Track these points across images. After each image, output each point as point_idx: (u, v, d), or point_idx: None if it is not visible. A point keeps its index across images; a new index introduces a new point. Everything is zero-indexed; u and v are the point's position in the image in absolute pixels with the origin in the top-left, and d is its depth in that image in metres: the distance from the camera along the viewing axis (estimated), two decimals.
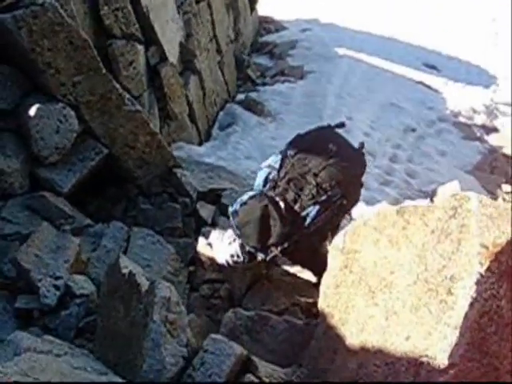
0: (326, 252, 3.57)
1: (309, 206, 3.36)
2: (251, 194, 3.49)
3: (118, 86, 4.25)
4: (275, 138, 8.03)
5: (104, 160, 4.23)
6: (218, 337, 2.32)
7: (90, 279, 3.46)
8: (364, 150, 3.81)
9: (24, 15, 3.66)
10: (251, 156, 7.42)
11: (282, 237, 3.32)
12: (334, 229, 3.74)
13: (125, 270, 2.65)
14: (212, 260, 3.91)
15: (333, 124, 3.88)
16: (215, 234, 3.92)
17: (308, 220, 3.35)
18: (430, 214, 2.29)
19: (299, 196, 3.38)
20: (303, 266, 3.72)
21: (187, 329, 2.34)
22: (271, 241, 3.32)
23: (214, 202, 4.81)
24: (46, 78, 3.88)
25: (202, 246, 4.06)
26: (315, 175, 3.38)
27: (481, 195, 2.18)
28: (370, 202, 6.88)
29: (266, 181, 3.57)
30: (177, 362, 2.15)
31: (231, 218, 3.47)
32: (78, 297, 3.14)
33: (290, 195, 3.38)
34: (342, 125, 3.90)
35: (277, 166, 3.54)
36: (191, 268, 4.04)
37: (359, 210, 6.52)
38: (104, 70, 4.13)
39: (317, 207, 3.37)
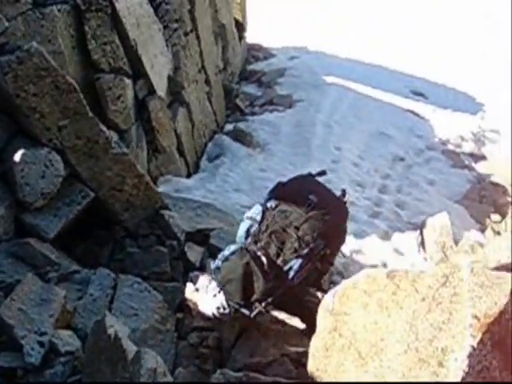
0: (313, 298, 3.57)
1: (291, 259, 3.37)
2: (233, 248, 3.51)
3: (104, 128, 4.21)
4: (264, 169, 8.03)
5: (91, 203, 4.18)
6: None
7: (76, 331, 3.40)
8: (347, 197, 3.86)
9: (9, 61, 3.63)
10: (240, 188, 7.41)
11: (265, 293, 3.32)
12: (320, 276, 3.74)
13: (111, 331, 2.60)
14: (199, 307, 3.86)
15: (314, 172, 3.91)
16: (201, 282, 3.87)
17: (291, 273, 3.35)
18: (421, 281, 2.26)
19: (281, 250, 3.40)
20: (290, 314, 3.69)
21: None
22: (255, 297, 3.32)
23: (202, 242, 4.76)
24: (30, 123, 3.85)
25: (189, 291, 3.99)
26: (296, 228, 3.42)
27: (470, 263, 2.15)
28: (359, 235, 6.89)
29: (247, 233, 3.58)
30: None
31: (213, 275, 3.50)
32: (62, 355, 3.06)
33: (272, 249, 3.39)
34: (323, 173, 3.95)
35: (258, 218, 3.57)
36: (179, 315, 3.97)
37: (349, 245, 6.55)
38: (90, 114, 4.09)
39: (299, 261, 3.38)
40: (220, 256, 3.50)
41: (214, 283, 3.52)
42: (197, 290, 3.95)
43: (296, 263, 3.36)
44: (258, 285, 3.30)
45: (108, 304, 3.68)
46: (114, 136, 5.72)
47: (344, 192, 3.81)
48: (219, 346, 3.69)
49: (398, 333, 2.24)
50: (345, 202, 3.78)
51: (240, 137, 8.70)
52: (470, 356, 1.97)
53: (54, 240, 3.97)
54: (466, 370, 1.96)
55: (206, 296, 3.53)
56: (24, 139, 3.91)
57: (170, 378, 2.31)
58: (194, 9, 8.11)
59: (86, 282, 3.83)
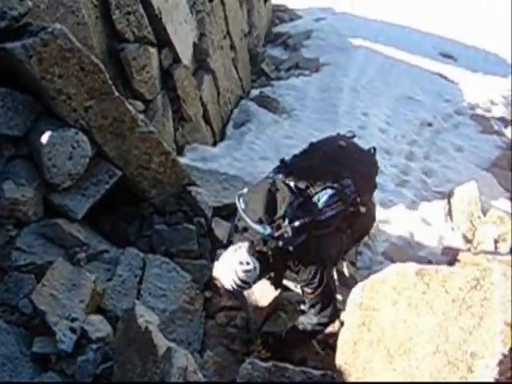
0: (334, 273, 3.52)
1: (321, 190, 3.34)
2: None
3: (131, 107, 4.18)
4: (290, 136, 7.95)
5: (118, 182, 4.19)
6: None
7: (106, 312, 3.45)
8: (376, 155, 3.87)
9: (34, 44, 3.59)
10: (266, 157, 7.35)
11: (292, 212, 3.25)
12: (347, 243, 3.69)
13: (141, 321, 2.63)
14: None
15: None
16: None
17: (320, 204, 3.31)
18: (451, 282, 2.24)
19: (311, 185, 3.36)
20: (306, 265, 3.42)
21: None
22: (279, 213, 3.24)
23: (229, 217, 4.77)
24: (57, 105, 3.83)
25: (217, 270, 4.03)
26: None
27: (504, 268, 2.12)
28: (386, 205, 6.84)
29: (277, 171, 3.59)
30: None
31: (237, 200, 3.42)
32: (94, 341, 3.11)
33: (302, 184, 3.36)
34: (352, 135, 3.88)
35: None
36: (207, 294, 4.02)
37: (377, 215, 6.51)
38: (116, 93, 4.06)
39: (329, 191, 3.34)
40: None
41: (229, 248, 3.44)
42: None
43: (325, 194, 3.33)
44: (284, 201, 3.25)
45: (137, 285, 3.73)
46: (140, 106, 5.73)
47: (374, 149, 3.84)
48: (247, 326, 3.73)
49: (428, 333, 2.24)
50: (374, 155, 3.81)
51: (266, 103, 8.62)
52: (501, 363, 1.96)
53: (83, 218, 4.00)
54: (496, 377, 1.95)
55: (225, 262, 3.38)
56: (50, 120, 3.89)
57: (200, 377, 2.34)
58: None
59: (115, 262, 3.87)
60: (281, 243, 3.22)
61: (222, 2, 8.17)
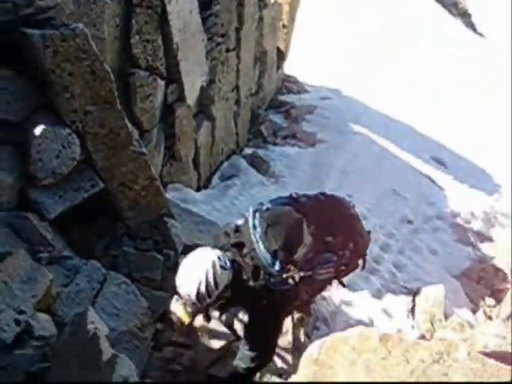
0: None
1: (327, 252, 3.32)
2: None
3: (129, 124, 4.18)
4: None
5: (98, 194, 4.14)
6: None
7: (55, 317, 3.33)
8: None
9: (53, 36, 3.60)
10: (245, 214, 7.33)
11: (305, 260, 3.21)
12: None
13: (90, 326, 2.53)
14: (181, 323, 3.78)
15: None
16: None
17: (323, 266, 3.30)
18: (414, 352, 2.19)
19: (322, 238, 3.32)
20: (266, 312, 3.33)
21: None
22: (295, 256, 3.19)
23: None
24: (59, 101, 3.81)
25: (174, 304, 3.93)
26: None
27: (470, 347, 2.08)
28: (351, 287, 6.79)
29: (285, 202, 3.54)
30: None
31: (253, 214, 3.33)
32: (36, 338, 2.99)
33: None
34: None
35: None
36: (159, 326, 3.91)
37: (340, 295, 6.47)
38: (119, 106, 4.07)
39: (334, 257, 3.35)
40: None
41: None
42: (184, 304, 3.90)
43: (331, 257, 3.32)
44: (304, 244, 3.20)
45: (92, 298, 3.62)
46: (135, 133, 5.72)
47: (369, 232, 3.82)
48: (192, 367, 3.62)
49: None
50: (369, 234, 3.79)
51: (257, 163, 8.68)
52: None
53: (54, 220, 3.91)
54: None
55: (192, 262, 3.27)
56: (48, 115, 3.86)
57: None
58: (241, 28, 8.15)
59: (76, 271, 3.77)
60: (275, 281, 3.17)
61: (238, 55, 8.32)
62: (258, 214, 3.32)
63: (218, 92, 7.66)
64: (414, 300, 6.68)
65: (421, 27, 19.28)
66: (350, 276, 6.88)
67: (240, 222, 3.46)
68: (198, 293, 3.13)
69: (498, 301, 7.67)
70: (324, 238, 3.30)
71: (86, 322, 2.55)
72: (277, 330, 3.40)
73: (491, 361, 2.06)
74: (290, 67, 12.57)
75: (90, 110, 3.93)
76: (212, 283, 3.10)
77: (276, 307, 3.23)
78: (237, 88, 8.65)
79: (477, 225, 9.91)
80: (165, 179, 6.63)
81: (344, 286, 3.73)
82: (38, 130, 3.71)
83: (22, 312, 3.03)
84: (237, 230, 3.40)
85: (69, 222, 4.19)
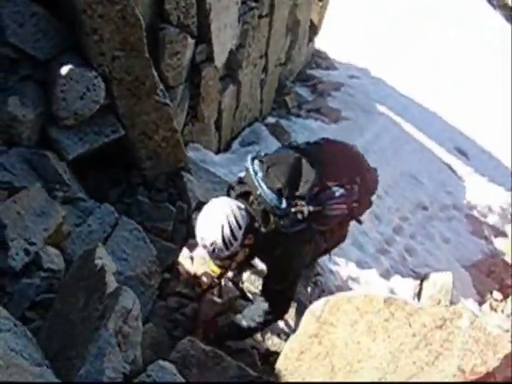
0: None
1: (334, 186, 3.32)
2: None
3: (155, 73, 4.16)
4: None
5: (118, 140, 4.14)
6: (166, 365, 2.21)
7: (64, 254, 3.35)
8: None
9: None
10: None
11: (311, 196, 3.21)
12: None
13: (98, 261, 2.55)
14: (188, 274, 3.81)
15: None
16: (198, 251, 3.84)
17: (330, 200, 3.29)
18: (417, 316, 2.19)
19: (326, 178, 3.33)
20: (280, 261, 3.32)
21: (138, 346, 2.23)
22: (299, 191, 3.20)
23: None
24: (87, 43, 3.80)
25: (183, 257, 3.96)
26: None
27: (474, 315, 2.07)
28: (361, 265, 6.81)
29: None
30: (116, 378, 2.04)
31: (250, 163, 3.34)
32: (44, 270, 3.02)
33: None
34: None
35: None
36: (166, 275, 3.93)
37: (348, 271, 6.48)
38: (147, 54, 4.05)
39: (341, 190, 3.34)
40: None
41: None
42: (191, 258, 3.93)
43: (337, 191, 3.31)
44: (307, 181, 3.20)
45: (103, 240, 3.63)
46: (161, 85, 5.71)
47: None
48: (195, 317, 3.63)
49: (378, 359, 2.17)
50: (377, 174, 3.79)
51: (278, 133, 8.64)
52: None
53: (71, 162, 3.93)
54: None
55: (211, 210, 3.22)
56: (76, 56, 3.86)
57: (140, 325, 2.25)
58: None
59: (89, 213, 3.78)
60: (285, 223, 3.16)
61: (271, 23, 8.25)
62: (256, 161, 3.33)
63: (247, 57, 7.60)
64: (421, 284, 6.66)
65: (452, 12, 18.98)
66: (360, 254, 7.02)
67: (242, 174, 3.46)
68: (224, 237, 3.08)
69: (506, 296, 7.64)
70: (329, 178, 3.31)
71: (94, 256, 2.56)
72: (295, 278, 3.37)
73: (493, 331, 2.05)
74: (321, 42, 12.46)
75: (117, 55, 3.91)
76: (235, 223, 3.08)
77: (292, 252, 3.23)
78: (266, 55, 8.58)
79: (493, 219, 9.85)
80: (186, 138, 6.60)
81: (360, 222, 3.69)
82: (64, 70, 3.71)
83: (32, 243, 3.06)
84: (240, 181, 3.42)
85: (85, 168, 4.20)
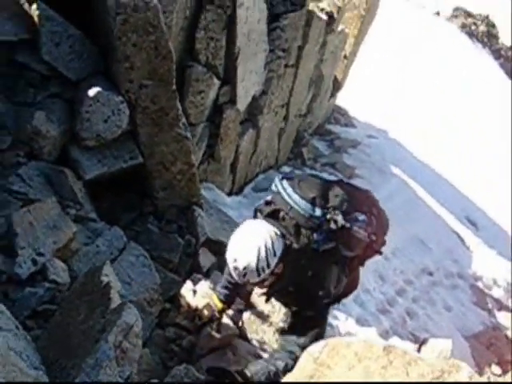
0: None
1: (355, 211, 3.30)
2: None
3: (180, 107, 4.24)
4: None
5: (135, 167, 4.19)
6: None
7: (70, 271, 3.36)
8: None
9: (126, 3, 3.68)
10: None
11: (342, 210, 3.21)
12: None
13: (104, 278, 2.56)
14: (189, 307, 3.81)
15: None
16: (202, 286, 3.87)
17: (357, 223, 3.26)
18: (416, 366, 2.17)
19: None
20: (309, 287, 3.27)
21: (135, 364, 2.22)
22: (330, 203, 3.20)
23: (216, 253, 4.73)
24: (118, 69, 3.89)
25: (186, 289, 3.96)
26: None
27: (472, 371, 2.06)
28: (360, 322, 6.77)
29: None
30: None
31: (278, 181, 3.34)
32: (49, 281, 3.04)
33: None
34: None
35: None
36: (167, 305, 3.93)
37: (348, 326, 6.42)
38: (174, 86, 4.13)
39: (363, 216, 3.31)
40: None
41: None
42: (194, 291, 3.93)
43: (360, 215, 3.29)
44: (336, 196, 3.23)
45: (109, 262, 3.63)
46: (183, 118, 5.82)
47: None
48: (191, 351, 3.61)
49: None
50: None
51: None
52: None
53: (87, 183, 3.98)
54: None
55: (248, 230, 3.20)
56: (105, 80, 3.95)
57: (139, 343, 2.25)
58: (303, 47, 8.26)
59: (98, 234, 3.81)
60: (317, 237, 3.15)
61: (296, 74, 8.41)
62: (284, 180, 3.33)
63: (269, 104, 7.73)
64: (419, 349, 6.57)
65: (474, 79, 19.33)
66: (361, 311, 6.99)
67: (268, 198, 3.46)
68: (258, 262, 3.02)
69: (504, 371, 7.53)
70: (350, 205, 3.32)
71: (101, 273, 2.58)
72: (328, 301, 3.36)
73: None
74: (342, 99, 12.64)
75: (145, 83, 4.00)
76: (271, 249, 3.03)
77: (323, 273, 3.22)
78: (287, 105, 8.72)
79: (497, 292, 9.81)
80: (200, 177, 6.64)
81: (381, 253, 3.67)
82: (93, 92, 3.80)
83: (40, 254, 3.08)
84: (267, 203, 3.41)
85: (101, 189, 4.25)
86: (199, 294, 3.87)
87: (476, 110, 17.35)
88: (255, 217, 3.46)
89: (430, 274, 9.18)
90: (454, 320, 8.38)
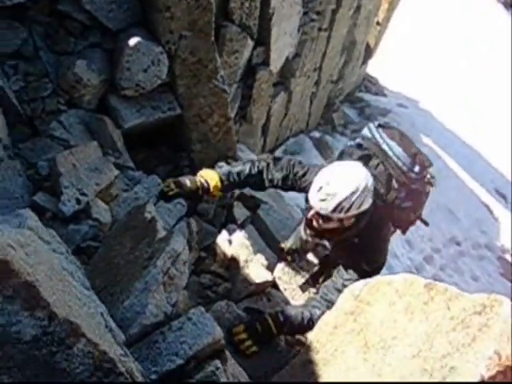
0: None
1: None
2: None
3: (218, 59, 4.25)
4: None
5: (173, 119, 4.22)
6: (207, 314, 2.24)
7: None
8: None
9: None
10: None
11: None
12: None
13: (147, 215, 2.61)
14: (224, 255, 3.85)
15: None
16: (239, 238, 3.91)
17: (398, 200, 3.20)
18: (457, 302, 2.18)
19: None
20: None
21: (181, 291, 2.28)
22: (427, 163, 3.20)
23: (250, 208, 4.75)
24: (158, 19, 3.90)
25: (222, 239, 4.00)
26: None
27: None
28: None
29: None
30: (157, 314, 2.08)
31: (376, 128, 3.28)
32: (93, 219, 3.11)
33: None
34: None
35: None
36: (202, 253, 3.97)
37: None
38: (213, 38, 4.14)
39: (403, 193, 3.19)
40: None
41: None
42: (230, 241, 3.96)
43: (402, 192, 3.17)
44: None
45: (151, 201, 3.69)
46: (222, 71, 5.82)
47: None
48: (227, 296, 3.66)
49: (413, 337, 2.18)
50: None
51: (322, 147, 8.71)
52: None
53: (124, 133, 4.02)
54: None
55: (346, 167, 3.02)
56: (144, 31, 3.96)
57: (186, 270, 2.30)
58: (337, 11, 8.19)
59: (136, 181, 3.86)
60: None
61: (329, 37, 8.35)
62: (381, 129, 3.26)
63: (302, 67, 7.70)
64: None
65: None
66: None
67: (358, 140, 3.37)
68: (349, 197, 2.85)
69: None
70: None
71: (144, 211, 2.63)
72: (384, 260, 3.28)
73: None
74: (374, 67, 12.52)
75: (185, 34, 4.01)
76: (367, 192, 2.90)
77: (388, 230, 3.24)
78: (320, 69, 8.68)
79: None
80: None
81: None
82: (133, 42, 3.82)
83: (83, 194, 3.15)
84: (359, 146, 3.32)
85: (137, 142, 4.30)
86: (235, 244, 3.91)
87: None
88: (340, 157, 3.35)
89: (458, 243, 9.16)
90: (480, 290, 8.31)
